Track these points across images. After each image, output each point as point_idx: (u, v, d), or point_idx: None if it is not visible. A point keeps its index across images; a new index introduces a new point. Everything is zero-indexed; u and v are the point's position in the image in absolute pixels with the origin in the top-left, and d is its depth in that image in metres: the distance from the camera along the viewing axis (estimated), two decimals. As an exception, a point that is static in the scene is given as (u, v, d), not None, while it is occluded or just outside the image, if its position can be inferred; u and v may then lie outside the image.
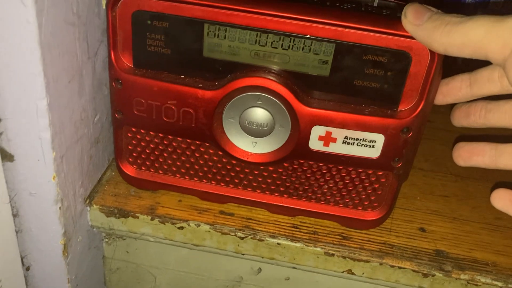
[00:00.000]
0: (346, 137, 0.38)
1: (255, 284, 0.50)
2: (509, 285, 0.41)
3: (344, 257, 0.42)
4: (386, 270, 0.42)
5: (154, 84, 0.38)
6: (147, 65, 0.38)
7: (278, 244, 0.43)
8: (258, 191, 0.43)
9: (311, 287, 0.48)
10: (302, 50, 0.35)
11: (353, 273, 0.43)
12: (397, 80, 0.36)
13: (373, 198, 0.42)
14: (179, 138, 0.41)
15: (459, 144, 0.36)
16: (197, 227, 0.43)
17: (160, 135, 0.41)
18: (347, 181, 0.41)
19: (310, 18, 0.34)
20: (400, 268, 0.42)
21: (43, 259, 0.43)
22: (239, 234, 0.43)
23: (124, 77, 0.38)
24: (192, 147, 0.41)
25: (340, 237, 0.43)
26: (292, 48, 0.35)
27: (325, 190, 0.42)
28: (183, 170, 0.43)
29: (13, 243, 0.41)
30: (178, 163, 0.43)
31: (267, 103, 0.37)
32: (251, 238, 0.43)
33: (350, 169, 0.40)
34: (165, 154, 0.42)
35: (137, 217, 0.44)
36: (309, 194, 0.42)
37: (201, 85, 0.38)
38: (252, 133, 0.39)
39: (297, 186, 0.42)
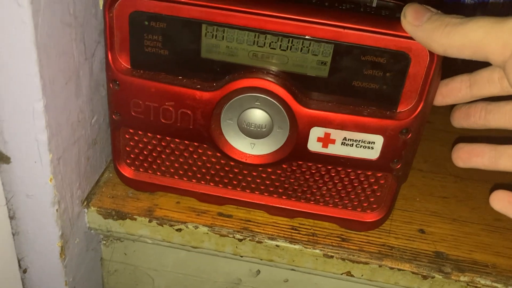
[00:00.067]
0: (345, 139, 0.38)
1: (254, 286, 0.49)
2: (509, 287, 0.41)
3: (343, 259, 0.42)
4: (385, 272, 0.42)
5: (151, 85, 0.38)
6: (145, 66, 0.38)
7: (277, 246, 0.43)
8: (256, 192, 0.43)
9: (310, 289, 0.48)
10: (301, 51, 0.35)
11: (352, 275, 0.43)
12: (396, 81, 0.35)
13: (372, 199, 0.41)
14: (177, 140, 0.41)
15: (458, 145, 0.36)
16: (195, 229, 0.43)
17: (158, 136, 0.41)
18: (346, 183, 0.41)
19: (308, 18, 0.34)
20: (399, 270, 0.42)
21: (40, 262, 0.43)
22: (238, 236, 0.43)
23: (121, 78, 0.38)
24: (190, 149, 0.41)
25: (339, 239, 0.43)
26: (290, 49, 0.35)
27: (324, 192, 0.42)
28: (181, 172, 0.43)
29: (10, 246, 0.41)
30: (176, 165, 0.43)
31: (265, 104, 0.37)
32: (249, 240, 0.43)
33: (349, 170, 0.40)
34: (163, 156, 0.42)
35: (135, 219, 0.44)
36: (308, 195, 0.42)
37: (199, 86, 0.37)
38: (251, 134, 0.39)
39: (295, 187, 0.42)
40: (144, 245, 0.48)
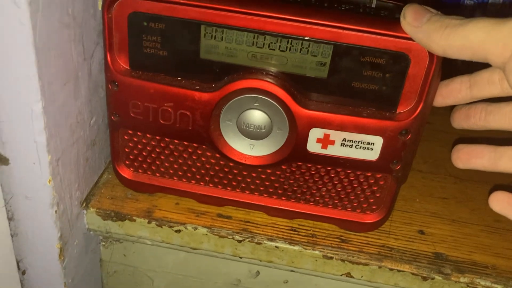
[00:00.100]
0: (344, 140, 0.37)
1: (253, 287, 0.49)
2: (509, 288, 0.41)
3: (342, 260, 0.42)
4: (385, 273, 0.42)
5: (150, 86, 0.38)
6: (144, 67, 0.38)
7: (276, 247, 0.42)
8: (256, 193, 0.43)
9: (309, 290, 0.48)
10: (300, 51, 0.35)
11: (352, 276, 0.43)
12: (396, 82, 0.35)
13: (371, 200, 0.41)
14: (176, 141, 0.41)
15: (458, 146, 0.35)
16: (195, 230, 0.43)
17: (157, 137, 0.41)
18: (345, 184, 0.41)
19: (307, 19, 0.34)
20: (399, 271, 0.42)
21: (39, 263, 0.43)
22: (237, 237, 0.43)
23: (120, 79, 0.38)
24: (189, 150, 0.41)
25: (338, 240, 0.43)
26: (289, 50, 0.35)
27: (323, 193, 0.41)
28: (180, 173, 0.43)
29: (9, 247, 0.41)
30: (175, 166, 0.42)
31: (264, 105, 0.37)
32: (249, 241, 0.43)
33: (348, 171, 0.40)
34: (162, 157, 0.42)
35: (134, 220, 0.43)
36: (307, 196, 0.42)
37: (198, 87, 0.37)
38: (250, 135, 0.39)
39: (295, 188, 0.42)
40: (143, 246, 0.48)
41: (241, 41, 0.35)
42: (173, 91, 0.38)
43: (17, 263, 0.43)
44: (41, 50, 0.32)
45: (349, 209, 0.42)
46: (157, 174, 0.43)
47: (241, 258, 0.44)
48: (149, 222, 0.43)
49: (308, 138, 0.38)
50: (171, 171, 0.43)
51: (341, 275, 0.43)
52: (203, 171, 0.42)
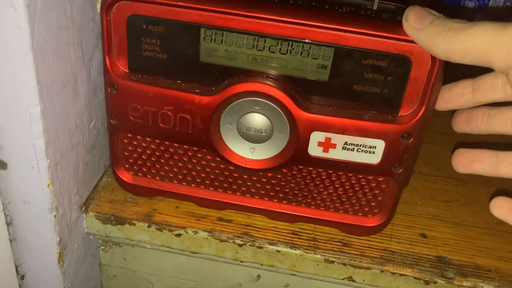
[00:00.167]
0: (346, 143, 0.37)
1: (254, 291, 0.49)
2: (512, 292, 0.41)
3: (344, 264, 0.42)
4: (387, 277, 0.42)
5: (150, 89, 0.37)
6: (143, 70, 0.38)
7: (278, 251, 0.42)
8: (256, 197, 0.42)
9: (311, 294, 0.48)
10: (301, 54, 0.35)
11: (353, 280, 0.43)
12: (398, 85, 0.35)
13: (373, 204, 0.41)
14: (175, 144, 0.40)
15: (458, 151, 0.35)
16: (195, 234, 0.43)
17: (157, 141, 0.41)
18: (347, 187, 0.40)
19: (308, 22, 0.33)
20: (401, 275, 0.41)
21: (38, 268, 0.42)
22: (238, 241, 0.42)
23: (119, 83, 0.38)
24: (189, 153, 0.41)
25: (340, 244, 0.43)
26: (290, 53, 0.35)
27: (324, 196, 0.41)
28: (180, 176, 0.43)
29: (7, 252, 0.41)
30: (175, 169, 0.42)
31: (265, 108, 0.37)
32: (249, 245, 0.42)
33: (350, 175, 0.39)
34: (162, 160, 0.42)
35: (134, 224, 0.43)
36: (309, 200, 0.42)
37: (197, 90, 0.37)
38: (250, 139, 0.39)
39: (296, 192, 0.41)
40: (143, 250, 0.47)
41: (241, 44, 0.35)
42: (173, 94, 0.37)
43: (16, 268, 0.42)
44: (39, 53, 0.32)
45: (350, 213, 0.42)
46: (157, 178, 0.43)
47: (242, 262, 0.44)
48: (149, 226, 0.43)
49: (309, 142, 0.37)
50: (171, 175, 0.43)
51: (343, 279, 0.43)
52: (203, 175, 0.42)
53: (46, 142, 0.35)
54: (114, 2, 0.35)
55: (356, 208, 0.41)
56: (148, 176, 0.43)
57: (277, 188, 0.41)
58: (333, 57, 0.34)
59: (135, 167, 0.43)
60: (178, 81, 0.37)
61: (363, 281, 0.42)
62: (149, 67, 0.37)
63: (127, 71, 0.38)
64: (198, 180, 0.42)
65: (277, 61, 0.35)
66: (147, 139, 0.41)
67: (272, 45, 0.35)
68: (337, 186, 0.40)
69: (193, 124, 0.38)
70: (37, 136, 0.35)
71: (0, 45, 0.31)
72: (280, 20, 0.33)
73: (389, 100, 0.36)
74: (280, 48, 0.35)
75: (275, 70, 0.36)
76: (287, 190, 0.41)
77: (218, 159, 0.40)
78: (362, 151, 0.37)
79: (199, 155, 0.41)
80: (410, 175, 0.41)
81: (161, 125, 0.39)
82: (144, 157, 0.42)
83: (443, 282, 0.41)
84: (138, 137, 0.41)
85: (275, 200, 0.42)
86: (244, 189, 0.42)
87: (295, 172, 0.40)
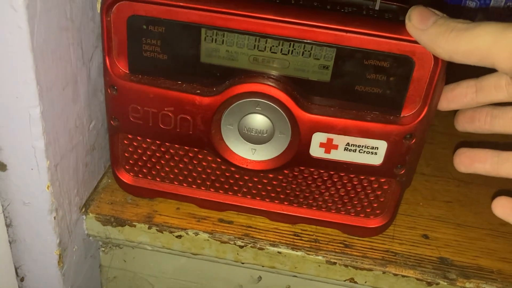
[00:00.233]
0: (348, 144, 0.37)
1: (255, 292, 0.49)
2: (515, 294, 0.41)
3: (346, 266, 0.41)
4: (389, 279, 0.42)
5: (150, 90, 0.37)
6: (143, 71, 0.37)
7: (279, 252, 0.42)
8: (257, 198, 0.42)
9: (312, 296, 0.48)
10: (302, 55, 0.34)
11: (355, 282, 0.42)
12: (400, 86, 0.35)
13: (375, 205, 0.41)
14: (176, 145, 0.40)
15: (460, 150, 0.35)
16: (196, 235, 0.42)
17: (157, 142, 0.40)
18: (348, 188, 0.40)
19: (310, 22, 0.33)
20: (403, 276, 0.41)
21: (38, 270, 0.42)
22: (239, 242, 0.42)
23: (119, 84, 0.37)
24: (190, 154, 0.41)
25: (342, 245, 0.42)
26: (291, 53, 0.35)
27: (326, 197, 0.41)
28: (181, 178, 0.42)
29: (7, 254, 0.40)
30: (176, 171, 0.42)
31: (266, 109, 0.37)
32: (251, 246, 0.42)
33: (352, 176, 0.39)
34: (162, 162, 0.42)
35: (134, 226, 0.43)
36: (310, 201, 0.41)
37: (198, 91, 0.37)
38: (251, 140, 0.38)
39: (297, 193, 0.41)
40: (143, 251, 0.47)
41: (242, 45, 0.35)
42: (173, 95, 0.37)
43: (16, 269, 0.42)
44: (39, 54, 0.32)
45: (352, 214, 0.42)
46: (158, 179, 0.43)
47: (243, 263, 0.44)
48: (149, 228, 0.43)
49: (311, 143, 0.37)
50: (172, 176, 0.42)
51: (345, 281, 0.42)
52: (204, 176, 0.42)
53: (46, 144, 0.35)
54: (114, 2, 0.34)
55: (358, 209, 0.41)
56: (149, 177, 0.43)
57: (279, 189, 0.41)
58: (335, 58, 0.34)
59: (135, 168, 0.43)
60: (179, 82, 0.37)
61: (365, 282, 0.42)
62: (150, 68, 0.37)
63: (127, 71, 0.37)
64: (198, 181, 0.42)
65: (279, 61, 0.35)
66: (148, 140, 0.40)
67: (273, 46, 0.34)
68: (339, 187, 0.40)
69: (193, 125, 0.38)
70: (37, 138, 0.35)
71: (0, 46, 0.31)
72: (281, 20, 0.33)
73: (391, 100, 0.35)
74: (282, 49, 0.34)
75: (277, 70, 0.35)
76: (288, 191, 0.41)
77: (219, 160, 0.40)
78: (364, 152, 0.37)
79: (200, 156, 0.40)
80: (413, 176, 0.41)
81: (161, 126, 0.39)
82: (144, 158, 0.42)
83: (445, 283, 0.41)
84: (139, 138, 0.40)
85: (276, 201, 0.42)
86: (245, 190, 0.42)
87: (296, 173, 0.40)
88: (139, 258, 0.48)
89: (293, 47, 0.34)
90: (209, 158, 0.40)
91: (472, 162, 0.34)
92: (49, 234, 0.40)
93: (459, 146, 0.36)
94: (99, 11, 0.38)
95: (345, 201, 0.41)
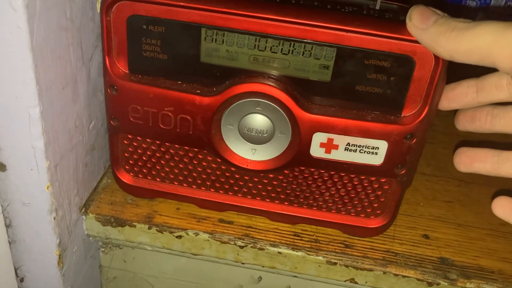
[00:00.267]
0: (348, 144, 0.37)
1: (255, 293, 0.49)
2: (516, 294, 0.41)
3: (346, 266, 0.41)
4: (389, 279, 0.41)
5: (150, 90, 0.37)
6: (143, 71, 0.37)
7: (279, 253, 0.42)
8: (258, 198, 0.42)
9: (312, 296, 0.48)
10: (303, 54, 0.34)
11: (356, 282, 0.42)
12: (401, 85, 0.35)
13: (376, 205, 0.41)
14: (176, 145, 0.40)
15: (460, 149, 0.35)
16: (196, 236, 0.42)
17: (157, 142, 0.40)
18: (349, 188, 0.40)
19: (310, 22, 0.33)
20: (404, 276, 0.41)
21: (38, 270, 0.42)
22: (239, 243, 0.42)
23: (119, 84, 0.37)
24: (190, 155, 0.40)
25: (342, 245, 0.42)
26: (292, 53, 0.34)
27: (326, 198, 0.41)
28: (181, 178, 0.42)
29: (6, 254, 0.40)
30: (176, 171, 0.42)
31: (266, 109, 0.36)
32: (251, 247, 0.42)
33: (352, 176, 0.39)
34: (162, 162, 0.41)
35: (134, 226, 0.43)
36: (310, 201, 0.41)
37: (198, 91, 0.37)
38: (252, 140, 0.38)
39: (298, 193, 0.41)
40: (143, 252, 0.47)
41: (242, 44, 0.35)
42: (173, 95, 0.37)
43: (15, 270, 0.42)
44: (39, 54, 0.32)
45: (353, 214, 0.41)
46: (158, 179, 0.43)
47: (243, 264, 0.44)
48: (149, 228, 0.43)
49: (311, 143, 0.37)
50: (172, 176, 0.42)
51: (345, 281, 0.42)
52: (204, 176, 0.41)
53: (45, 143, 0.35)
54: (114, 2, 0.34)
55: (359, 209, 0.41)
56: (149, 178, 0.43)
57: (279, 189, 0.41)
58: (335, 57, 0.34)
59: (135, 169, 0.43)
60: (179, 82, 0.37)
61: (366, 282, 0.42)
62: (150, 68, 0.37)
63: (127, 71, 0.37)
64: (199, 182, 0.42)
65: (279, 61, 0.35)
66: (148, 140, 0.40)
67: (273, 45, 0.34)
68: (339, 187, 0.40)
69: (193, 125, 0.38)
70: (36, 137, 0.35)
71: (0, 46, 0.31)
72: (281, 20, 0.33)
73: (392, 100, 0.35)
74: (282, 48, 0.34)
75: (277, 70, 0.35)
76: (288, 191, 0.41)
77: (219, 160, 0.40)
78: (364, 152, 0.37)
79: (200, 156, 0.40)
80: (413, 176, 0.41)
81: (161, 126, 0.39)
82: (144, 158, 0.42)
83: (446, 283, 0.41)
84: (138, 138, 0.40)
85: (277, 202, 0.42)
86: (245, 190, 0.42)
87: (296, 173, 0.40)
88: (139, 259, 0.48)
89: (293, 47, 0.34)
90: (209, 158, 0.40)
91: (473, 161, 0.34)
92: (48, 235, 0.39)
93: (459, 145, 0.36)
94: (99, 10, 0.38)
95: (346, 201, 0.41)
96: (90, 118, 0.42)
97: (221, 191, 0.42)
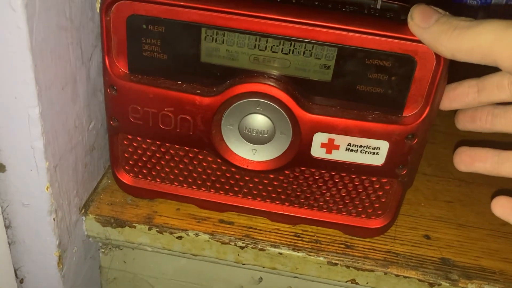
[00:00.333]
0: (349, 144, 0.37)
1: (256, 293, 0.49)
2: (518, 294, 0.40)
3: (347, 267, 0.41)
4: (391, 280, 0.41)
5: (150, 90, 0.37)
6: (143, 71, 0.37)
7: (280, 253, 0.42)
8: (258, 199, 0.42)
9: (313, 297, 0.47)
10: (303, 54, 0.34)
11: (357, 283, 0.42)
12: (402, 85, 0.34)
13: (377, 205, 0.41)
14: (176, 146, 0.40)
15: (461, 149, 0.35)
16: (196, 236, 0.42)
17: (157, 142, 0.40)
18: (350, 189, 0.40)
19: (311, 21, 0.33)
20: (405, 277, 0.41)
21: (37, 271, 0.42)
22: (240, 243, 0.42)
23: (119, 84, 0.37)
24: (190, 155, 0.40)
25: (343, 246, 0.42)
26: (292, 53, 0.34)
27: (327, 198, 0.41)
28: (181, 178, 0.42)
29: (6, 255, 0.40)
30: (176, 171, 0.42)
31: (267, 109, 0.36)
32: (251, 247, 0.42)
33: (353, 176, 0.39)
34: (162, 162, 0.41)
35: (134, 227, 0.43)
36: (311, 202, 0.41)
37: (198, 91, 0.37)
38: (252, 140, 0.38)
39: (298, 193, 0.41)
40: (143, 252, 0.47)
41: (242, 44, 0.34)
42: (173, 95, 0.37)
43: (15, 271, 0.42)
44: (38, 54, 0.32)
45: (353, 215, 0.41)
46: (157, 180, 0.43)
47: (243, 264, 0.43)
48: (149, 229, 0.42)
49: (312, 143, 0.37)
50: (172, 177, 0.42)
51: (346, 282, 0.42)
52: (204, 176, 0.41)
53: (45, 144, 0.35)
54: (114, 1, 0.34)
55: (359, 209, 0.41)
56: (149, 178, 0.43)
57: (279, 190, 0.41)
58: (336, 57, 0.34)
59: (135, 169, 0.42)
60: (179, 82, 0.37)
61: (367, 283, 0.42)
62: (149, 68, 0.37)
63: (127, 71, 0.37)
64: (199, 182, 0.42)
65: (279, 61, 0.35)
66: (148, 140, 0.40)
67: (274, 45, 0.34)
68: (340, 187, 0.40)
69: (194, 126, 0.38)
70: (36, 138, 0.34)
71: (-1, 46, 0.30)
72: (282, 19, 0.33)
73: (393, 100, 0.35)
74: (282, 48, 0.34)
75: (277, 70, 0.35)
76: (289, 192, 0.41)
77: (219, 160, 0.40)
78: (365, 152, 0.37)
79: (200, 157, 0.40)
80: (414, 176, 0.41)
81: (161, 126, 0.39)
82: (144, 158, 0.41)
83: (447, 284, 0.41)
84: (138, 138, 0.40)
85: (277, 202, 0.42)
86: (245, 190, 0.41)
87: (297, 174, 0.39)
88: (139, 259, 0.48)
89: (294, 46, 0.34)
90: (210, 159, 0.40)
91: (473, 161, 0.34)
92: (48, 235, 0.39)
93: (459, 145, 0.35)
94: (98, 10, 0.38)
95: (347, 201, 0.41)
96: (90, 118, 0.41)
97: (221, 192, 0.42)
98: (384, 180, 0.39)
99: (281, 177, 0.40)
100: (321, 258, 0.41)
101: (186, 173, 0.42)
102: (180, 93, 0.37)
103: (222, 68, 0.35)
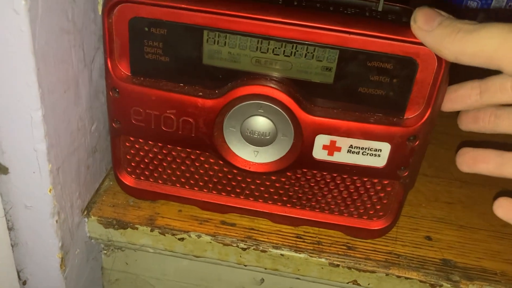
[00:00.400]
0: (351, 146, 0.37)
1: (258, 295, 0.49)
2: (519, 295, 0.40)
3: (349, 268, 0.41)
4: (392, 281, 0.41)
5: (152, 93, 0.37)
6: (145, 73, 0.37)
7: (282, 255, 0.42)
8: (260, 200, 0.42)
9: (315, 298, 0.47)
10: (305, 56, 0.34)
11: (358, 284, 0.42)
12: (403, 87, 0.34)
13: (378, 207, 0.41)
14: (178, 148, 0.40)
15: (463, 150, 0.35)
16: (198, 238, 0.42)
17: (159, 144, 0.40)
18: (351, 190, 0.40)
19: (313, 24, 0.33)
20: (406, 278, 0.41)
21: (40, 273, 0.42)
22: (241, 245, 0.42)
23: (121, 86, 0.37)
24: (192, 157, 0.40)
25: (345, 247, 0.42)
26: (294, 55, 0.34)
27: (329, 200, 0.41)
28: (183, 180, 0.42)
29: (9, 257, 0.40)
30: (178, 173, 0.42)
31: (269, 111, 0.36)
32: (253, 249, 0.42)
33: (355, 178, 0.39)
34: (164, 164, 0.41)
35: (136, 228, 0.43)
36: (313, 203, 0.41)
37: (200, 93, 0.37)
38: (254, 142, 0.38)
39: (300, 195, 0.41)
40: (145, 254, 0.47)
41: (244, 46, 0.34)
42: (176, 97, 0.37)
43: (18, 273, 0.42)
44: (41, 57, 0.32)
45: (355, 216, 0.41)
46: (160, 181, 0.43)
47: (245, 266, 0.43)
48: (151, 230, 0.43)
49: (313, 145, 0.37)
50: (174, 178, 0.42)
51: (348, 283, 0.42)
52: (206, 178, 0.41)
53: (47, 147, 0.35)
54: (116, 4, 0.34)
55: (361, 211, 0.41)
56: (151, 180, 0.43)
57: (281, 192, 0.41)
58: (338, 59, 0.34)
59: (137, 171, 0.43)
60: (181, 84, 0.37)
61: (368, 284, 0.42)
62: (152, 70, 0.37)
63: (129, 74, 0.37)
64: (201, 184, 0.42)
65: (281, 63, 0.35)
66: (150, 142, 0.40)
67: (276, 47, 0.34)
68: (342, 189, 0.40)
69: (196, 128, 0.38)
70: (39, 141, 0.34)
71: (2, 49, 0.30)
72: (284, 22, 0.33)
73: (394, 102, 0.35)
74: (284, 50, 0.34)
75: (279, 72, 0.35)
76: (291, 194, 0.41)
77: (222, 162, 0.40)
78: (367, 154, 0.37)
79: (202, 159, 0.40)
80: (416, 177, 0.41)
81: (163, 128, 0.39)
82: (146, 160, 0.42)
83: (449, 285, 0.41)
84: (140, 140, 0.40)
85: (279, 204, 0.42)
86: (247, 192, 0.42)
87: (299, 175, 0.40)
88: (141, 261, 0.48)
89: (295, 48, 0.34)
90: (211, 161, 0.40)
91: (476, 162, 0.34)
92: (51, 237, 0.39)
93: (462, 146, 0.35)
94: (100, 13, 0.38)
95: (348, 203, 0.41)
96: (92, 120, 0.42)
97: (223, 193, 0.42)
98: (385, 182, 0.39)
99: (283, 179, 0.40)
100: (323, 260, 0.41)
101: (188, 175, 0.42)
102: (182, 95, 0.37)
103: (224, 70, 0.36)
